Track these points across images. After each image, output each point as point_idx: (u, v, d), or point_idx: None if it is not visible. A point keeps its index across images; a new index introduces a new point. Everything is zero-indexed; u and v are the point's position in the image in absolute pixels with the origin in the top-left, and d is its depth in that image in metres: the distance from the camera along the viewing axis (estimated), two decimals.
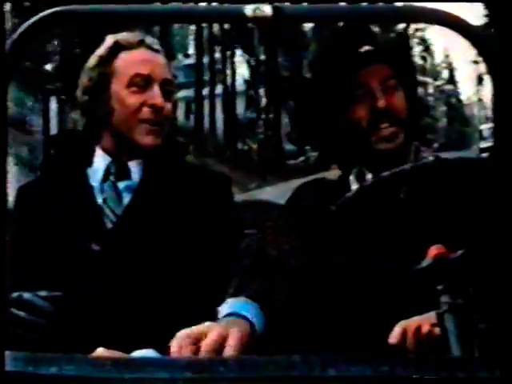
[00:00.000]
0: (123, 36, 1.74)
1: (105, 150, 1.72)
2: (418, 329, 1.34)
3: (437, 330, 1.28)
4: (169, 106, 1.71)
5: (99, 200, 1.67)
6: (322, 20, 1.28)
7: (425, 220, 1.54)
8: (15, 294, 1.44)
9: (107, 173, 1.70)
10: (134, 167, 1.70)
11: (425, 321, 1.35)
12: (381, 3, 1.03)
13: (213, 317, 1.58)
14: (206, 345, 1.16)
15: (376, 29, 1.73)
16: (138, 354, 1.49)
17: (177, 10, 0.97)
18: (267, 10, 0.94)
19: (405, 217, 1.52)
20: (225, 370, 0.84)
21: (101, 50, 1.73)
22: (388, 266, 1.39)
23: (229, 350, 1.15)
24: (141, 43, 1.72)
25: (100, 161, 1.71)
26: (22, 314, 1.43)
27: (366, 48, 1.66)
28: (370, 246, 1.44)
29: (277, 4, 0.95)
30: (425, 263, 1.27)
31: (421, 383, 0.86)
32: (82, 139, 1.76)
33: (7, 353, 0.83)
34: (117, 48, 1.72)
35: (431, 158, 1.58)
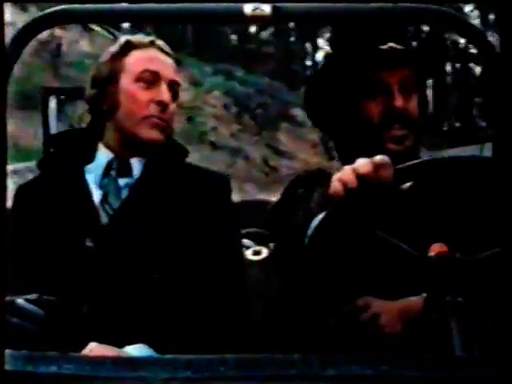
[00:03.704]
0: (135, 37, 1.80)
1: (107, 146, 1.73)
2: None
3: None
4: (174, 105, 1.74)
5: (97, 196, 1.68)
6: (320, 20, 1.28)
7: (423, 218, 1.54)
8: (7, 299, 1.44)
9: (109, 168, 1.71)
10: (136, 164, 1.71)
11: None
12: (380, 3, 1.03)
13: (206, 313, 1.58)
14: None
15: (406, 29, 1.70)
16: (130, 349, 1.49)
17: (176, 10, 0.97)
18: (267, 9, 0.94)
19: (402, 215, 1.53)
20: (224, 369, 0.84)
21: (113, 48, 1.79)
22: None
23: None
24: (152, 44, 1.78)
25: (102, 156, 1.72)
26: (14, 319, 1.44)
27: (394, 46, 1.65)
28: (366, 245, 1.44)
29: (276, 4, 0.95)
30: (426, 260, 1.27)
31: (421, 383, 0.86)
32: (82, 136, 1.77)
33: (7, 352, 0.83)
34: (128, 46, 1.77)
35: (421, 159, 1.58)
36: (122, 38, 1.80)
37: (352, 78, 1.66)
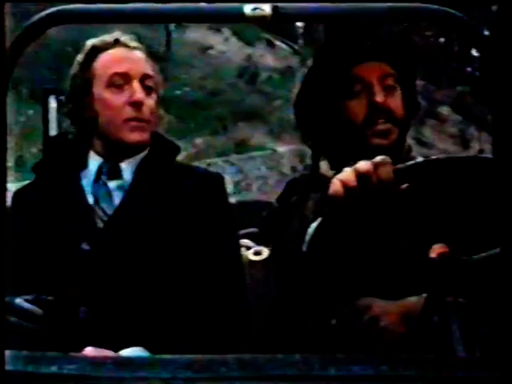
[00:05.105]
0: (99, 38, 1.77)
1: (97, 153, 1.73)
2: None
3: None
4: (151, 100, 1.72)
5: (91, 200, 1.67)
6: (320, 19, 1.28)
7: (424, 218, 1.54)
8: (6, 299, 1.44)
9: (99, 173, 1.71)
10: (126, 167, 1.71)
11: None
12: (380, 3, 1.03)
13: (205, 315, 1.58)
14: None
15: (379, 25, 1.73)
16: (127, 352, 1.49)
17: (177, 10, 0.97)
18: (267, 9, 0.94)
19: (403, 216, 1.52)
20: (225, 369, 0.84)
21: (80, 56, 1.76)
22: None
23: None
24: (116, 42, 1.74)
25: (93, 162, 1.72)
26: (12, 319, 1.44)
27: (369, 42, 1.67)
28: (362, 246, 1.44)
29: (276, 3, 0.95)
30: (428, 261, 1.27)
31: (421, 383, 0.86)
32: (75, 143, 1.76)
33: (7, 352, 0.83)
34: (94, 51, 1.74)
35: (421, 159, 1.58)
36: (87, 43, 1.77)
37: (334, 80, 1.67)
